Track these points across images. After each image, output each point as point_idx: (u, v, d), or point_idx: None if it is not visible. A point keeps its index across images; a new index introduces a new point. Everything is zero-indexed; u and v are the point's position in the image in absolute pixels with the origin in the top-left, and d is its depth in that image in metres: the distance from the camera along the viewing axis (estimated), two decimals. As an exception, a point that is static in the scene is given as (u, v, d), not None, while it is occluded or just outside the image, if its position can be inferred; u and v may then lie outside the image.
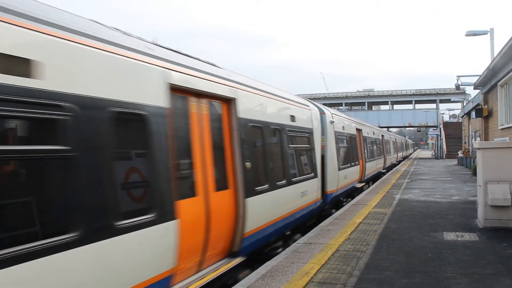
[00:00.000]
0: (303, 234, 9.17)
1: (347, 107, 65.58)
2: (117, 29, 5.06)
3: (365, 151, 19.77)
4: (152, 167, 4.59)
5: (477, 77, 21.77)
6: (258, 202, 6.99)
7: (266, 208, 7.41)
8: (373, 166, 21.97)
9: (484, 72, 19.38)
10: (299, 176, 9.32)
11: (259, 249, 7.51)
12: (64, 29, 3.76)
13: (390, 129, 61.90)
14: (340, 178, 13.28)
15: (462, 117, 44.01)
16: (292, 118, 9.33)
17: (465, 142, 38.66)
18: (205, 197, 5.65)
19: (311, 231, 9.26)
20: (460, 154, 38.30)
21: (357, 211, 11.81)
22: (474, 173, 20.04)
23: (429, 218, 10.63)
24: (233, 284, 5.94)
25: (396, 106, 65.31)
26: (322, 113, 12.40)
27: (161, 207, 4.61)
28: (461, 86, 37.78)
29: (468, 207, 12.19)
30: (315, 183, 10.54)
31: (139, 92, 4.50)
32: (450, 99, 58.22)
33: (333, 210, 12.90)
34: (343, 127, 14.97)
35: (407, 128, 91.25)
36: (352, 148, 16.32)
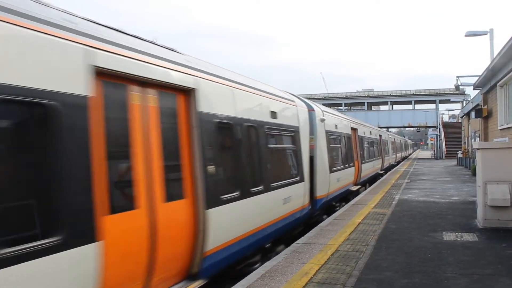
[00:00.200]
0: (287, 245, 8.20)
1: (346, 107, 65.62)
2: None
3: (361, 152, 18.64)
4: (59, 173, 3.55)
5: (477, 78, 21.78)
6: (225, 213, 5.93)
7: (237, 219, 6.36)
8: (369, 168, 20.93)
9: (483, 72, 19.39)
10: (281, 181, 8.21)
11: (231, 266, 6.54)
12: None
13: (390, 129, 61.98)
14: (332, 181, 12.21)
15: (461, 117, 44.03)
16: (273, 114, 8.20)
17: (465, 142, 38.68)
18: (149, 209, 4.62)
19: (311, 231, 9.24)
20: (459, 154, 38.31)
21: (356, 211, 11.81)
22: (474, 174, 20.04)
23: (429, 218, 10.63)
24: None
25: (395, 107, 65.38)
26: (310, 110, 11.21)
27: (71, 227, 3.57)
28: (460, 87, 37.87)
29: (467, 207, 12.19)
30: (301, 188, 9.44)
31: (43, 75, 3.49)
32: (449, 100, 58.23)
33: (324, 216, 11.90)
34: (335, 125, 13.89)
35: (407, 129, 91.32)
36: (346, 149, 15.28)
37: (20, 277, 3.13)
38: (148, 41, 5.32)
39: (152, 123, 4.81)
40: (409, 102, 61.66)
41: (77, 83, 3.79)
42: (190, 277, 5.44)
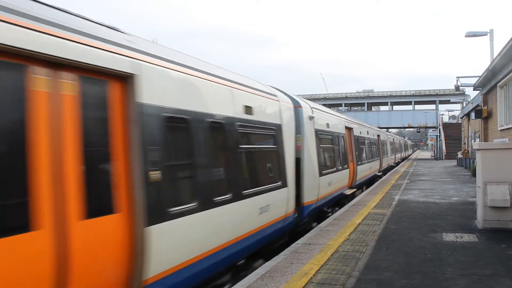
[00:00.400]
0: (267, 259, 7.33)
1: (346, 107, 65.68)
2: None
3: (357, 153, 17.46)
4: None
5: (477, 78, 21.79)
6: (176, 230, 4.86)
7: (193, 236, 5.23)
8: (366, 170, 19.70)
9: (483, 73, 19.40)
10: (256, 187, 7.09)
11: None
12: None
13: (390, 129, 62.03)
14: (322, 185, 11.07)
15: (461, 118, 44.03)
16: (248, 109, 7.09)
17: (465, 143, 38.67)
18: (58, 230, 3.57)
19: (311, 231, 9.25)
20: (459, 155, 38.32)
21: (356, 211, 11.80)
22: (474, 174, 20.05)
23: (429, 219, 10.62)
24: None
25: (395, 107, 65.49)
26: (297, 106, 10.03)
27: None
28: (460, 87, 37.85)
29: (467, 208, 12.19)
30: (284, 194, 8.31)
31: None
32: (449, 100, 58.32)
33: (314, 224, 10.90)
34: (327, 124, 12.71)
35: (407, 129, 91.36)
36: (340, 150, 14.08)
37: None
38: (76, 15, 4.22)
39: (67, 116, 3.78)
40: (409, 103, 61.75)
41: None
42: None
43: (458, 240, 8.29)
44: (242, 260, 6.95)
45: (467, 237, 8.48)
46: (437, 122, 58.58)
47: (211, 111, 5.90)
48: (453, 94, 55.03)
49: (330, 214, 12.22)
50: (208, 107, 5.87)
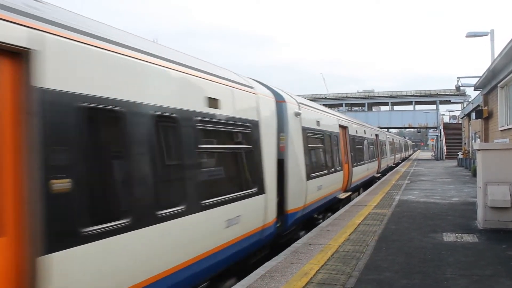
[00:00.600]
0: (240, 277, 6.36)
1: (347, 108, 65.70)
2: None
3: (352, 153, 16.25)
4: None
5: (477, 78, 21.79)
6: (93, 257, 3.71)
7: (122, 263, 4.04)
8: (363, 171, 18.48)
9: (484, 73, 19.40)
10: (221, 196, 5.91)
11: None
12: None
13: (390, 130, 62.04)
14: (310, 190, 9.94)
15: (462, 118, 44.03)
16: (212, 102, 5.92)
17: (465, 143, 38.67)
18: None
19: (311, 231, 9.25)
20: (460, 155, 38.31)
21: (356, 212, 11.80)
22: (474, 174, 20.06)
23: (429, 219, 10.62)
24: None
25: (396, 107, 65.45)
26: (280, 101, 8.87)
27: None
28: (461, 87, 37.82)
29: (467, 208, 12.19)
30: (260, 202, 7.18)
31: None
32: (450, 100, 58.18)
33: (302, 233, 9.84)
34: (317, 122, 11.52)
35: (407, 129, 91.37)
36: (332, 150, 12.89)
37: None
38: None
39: None
40: (410, 103, 61.71)
41: None
42: None
43: (458, 240, 8.29)
44: (205, 283, 5.75)
45: (468, 238, 8.48)
46: (437, 122, 58.55)
47: (155, 102, 4.67)
48: (454, 94, 54.96)
49: (321, 221, 11.16)
50: (151, 97, 4.63)
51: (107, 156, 4.23)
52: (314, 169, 10.55)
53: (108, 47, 4.16)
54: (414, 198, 14.74)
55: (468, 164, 30.20)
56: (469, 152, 33.44)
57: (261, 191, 7.20)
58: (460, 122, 53.40)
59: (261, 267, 6.62)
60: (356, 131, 18.20)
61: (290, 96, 9.79)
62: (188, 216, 5.06)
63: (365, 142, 20.40)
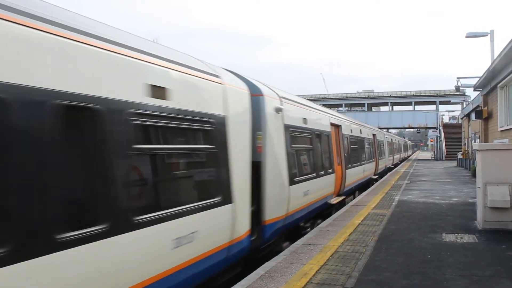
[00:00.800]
0: None
1: (347, 108, 65.77)
2: None
3: (346, 154, 15.05)
4: None
5: (477, 79, 21.81)
6: None
7: None
8: (358, 173, 17.34)
9: (484, 73, 19.42)
10: (166, 209, 4.67)
11: None
12: None
13: (390, 130, 62.10)
14: (294, 196, 8.79)
15: (461, 118, 44.06)
16: (157, 91, 4.68)
17: (465, 143, 38.69)
18: None
19: (311, 231, 9.25)
20: (459, 155, 38.33)
21: (356, 212, 11.80)
22: (474, 175, 20.06)
23: (428, 219, 10.63)
24: None
25: (395, 107, 65.56)
26: (257, 94, 7.73)
27: None
28: (461, 88, 37.92)
29: (467, 208, 12.19)
30: (226, 214, 5.94)
31: None
32: (450, 101, 58.33)
33: (286, 244, 8.75)
34: (304, 119, 10.29)
35: (407, 130, 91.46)
36: (322, 151, 11.70)
37: None
38: None
39: None
40: (409, 103, 61.80)
41: None
42: None
43: (458, 240, 8.29)
44: None
45: (467, 238, 8.48)
46: (437, 122, 58.62)
47: (58, 86, 3.47)
48: (454, 95, 55.07)
49: (308, 229, 10.11)
50: (50, 80, 3.42)
51: None
52: (299, 172, 9.43)
53: None
54: (414, 199, 14.74)
55: (468, 165, 30.23)
56: (468, 152, 33.46)
57: (227, 200, 5.98)
58: (459, 122, 53.43)
59: (260, 267, 6.62)
60: (351, 130, 17.11)
61: (270, 89, 8.61)
62: (111, 238, 3.85)
63: (362, 142, 19.46)
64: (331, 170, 12.37)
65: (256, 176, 7.27)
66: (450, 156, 49.44)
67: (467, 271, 6.31)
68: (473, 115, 26.23)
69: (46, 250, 3.22)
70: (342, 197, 13.95)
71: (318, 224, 10.68)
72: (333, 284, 5.73)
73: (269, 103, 8.05)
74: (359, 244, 8.00)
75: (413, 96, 60.93)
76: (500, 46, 16.79)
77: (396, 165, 41.30)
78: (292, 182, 8.74)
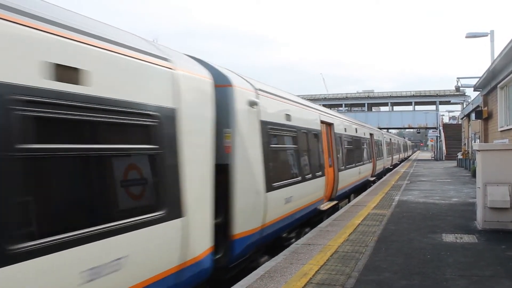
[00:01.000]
0: None
1: (347, 108, 65.78)
2: None
3: (339, 155, 13.81)
4: None
5: (477, 79, 21.81)
6: None
7: None
8: (353, 175, 16.14)
9: (484, 74, 19.42)
10: (78, 229, 3.53)
11: None
12: None
13: (390, 130, 62.09)
14: (273, 204, 7.62)
15: (461, 118, 44.07)
16: (63, 72, 3.49)
17: (465, 143, 38.69)
18: None
19: (310, 231, 9.24)
20: (459, 155, 38.33)
21: (356, 212, 11.80)
22: (474, 175, 20.07)
23: (428, 219, 10.62)
24: None
25: (395, 108, 65.56)
26: (224, 85, 6.55)
27: None
28: (461, 88, 37.90)
29: (467, 209, 12.19)
30: (173, 231, 4.74)
31: None
32: (450, 101, 58.34)
33: (265, 258, 7.83)
34: (286, 115, 8.97)
35: (407, 130, 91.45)
36: (310, 151, 10.44)
37: None
38: None
39: None
40: (409, 103, 61.79)
41: None
42: None
43: (457, 241, 8.29)
44: None
45: (467, 238, 8.48)
46: (437, 122, 58.62)
47: None
48: (454, 95, 55.06)
49: (293, 240, 9.03)
50: None
51: None
52: (279, 176, 8.09)
53: None
54: (414, 199, 14.74)
55: (468, 165, 30.22)
56: (468, 152, 33.45)
57: (174, 213, 4.77)
58: (459, 122, 53.42)
59: (260, 267, 6.62)
60: (345, 129, 15.65)
61: (243, 79, 7.44)
62: None
63: (357, 142, 18.11)
64: (320, 172, 11.13)
65: (223, 182, 6.26)
66: (450, 156, 49.43)
67: (467, 271, 6.31)
68: (473, 115, 26.23)
69: None
70: (334, 202, 12.70)
71: (306, 233, 9.58)
72: (333, 284, 5.73)
73: (240, 96, 6.83)
74: (359, 244, 8.00)
75: (413, 96, 60.92)
76: (500, 46, 16.80)
77: (395, 165, 40.84)
78: (270, 188, 7.50)
